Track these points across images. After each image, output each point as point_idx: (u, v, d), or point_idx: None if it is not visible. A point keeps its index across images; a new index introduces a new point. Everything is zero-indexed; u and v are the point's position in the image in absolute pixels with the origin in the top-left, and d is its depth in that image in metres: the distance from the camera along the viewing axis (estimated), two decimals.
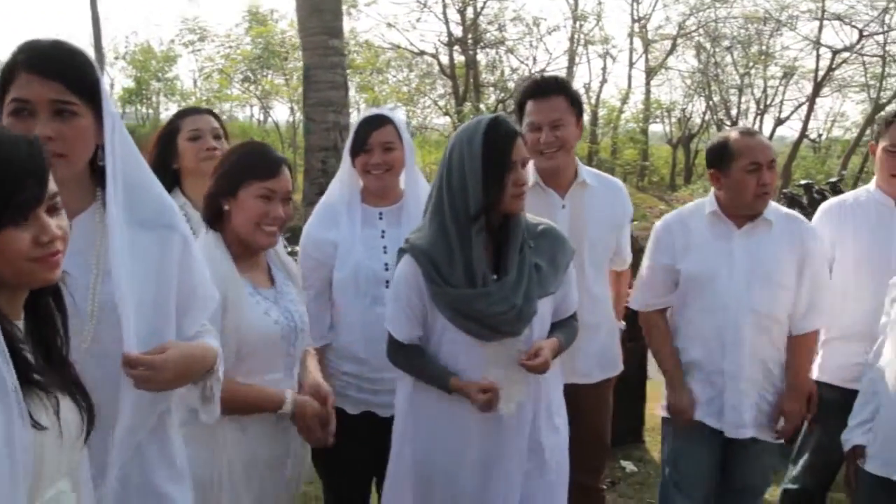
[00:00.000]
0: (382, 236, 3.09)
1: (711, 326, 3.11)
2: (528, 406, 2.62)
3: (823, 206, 3.58)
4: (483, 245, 2.52)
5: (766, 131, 26.23)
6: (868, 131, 25.40)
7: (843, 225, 3.43)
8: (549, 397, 2.70)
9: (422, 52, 22.84)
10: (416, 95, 26.44)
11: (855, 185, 21.18)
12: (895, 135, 3.31)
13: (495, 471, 2.60)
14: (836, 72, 25.06)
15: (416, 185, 3.13)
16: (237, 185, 2.44)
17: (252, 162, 2.48)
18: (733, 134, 3.12)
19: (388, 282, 2.94)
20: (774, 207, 3.19)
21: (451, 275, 2.52)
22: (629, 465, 4.99)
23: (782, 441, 3.25)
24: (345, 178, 3.16)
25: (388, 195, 3.14)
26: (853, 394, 3.31)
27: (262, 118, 30.25)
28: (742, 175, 3.03)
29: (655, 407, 3.75)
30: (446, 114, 23.69)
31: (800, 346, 3.21)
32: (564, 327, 2.74)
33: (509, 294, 2.50)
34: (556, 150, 3.20)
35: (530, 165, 2.67)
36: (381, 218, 3.12)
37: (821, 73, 24.41)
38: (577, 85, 24.34)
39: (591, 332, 3.18)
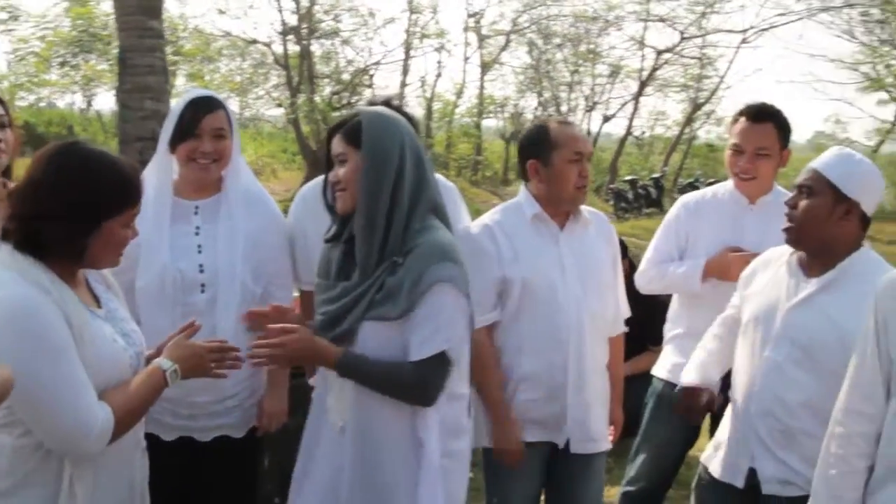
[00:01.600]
0: (197, 233, 2.68)
1: (551, 337, 2.85)
2: (347, 442, 2.26)
3: (682, 199, 3.50)
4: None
5: (594, 128, 27.22)
6: (687, 129, 26.86)
7: (699, 220, 3.36)
8: (374, 459, 2.24)
9: (255, 41, 22.15)
10: (248, 85, 25.69)
11: (675, 181, 22.35)
12: (738, 134, 3.25)
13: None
14: (659, 72, 26.32)
15: (238, 176, 2.75)
16: (106, 216, 1.97)
17: (125, 188, 2.02)
18: (552, 123, 2.94)
19: (203, 286, 2.62)
20: (584, 205, 3.02)
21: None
22: None
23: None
24: (159, 169, 2.69)
25: (208, 187, 2.72)
26: None
27: (84, 106, 28.55)
28: (564, 165, 2.85)
29: None
30: (280, 105, 23.13)
31: (617, 348, 3.13)
32: (388, 363, 2.21)
33: (332, 299, 2.27)
34: None
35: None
36: (196, 213, 2.70)
37: (645, 73, 25.56)
38: (413, 78, 24.40)
39: None
